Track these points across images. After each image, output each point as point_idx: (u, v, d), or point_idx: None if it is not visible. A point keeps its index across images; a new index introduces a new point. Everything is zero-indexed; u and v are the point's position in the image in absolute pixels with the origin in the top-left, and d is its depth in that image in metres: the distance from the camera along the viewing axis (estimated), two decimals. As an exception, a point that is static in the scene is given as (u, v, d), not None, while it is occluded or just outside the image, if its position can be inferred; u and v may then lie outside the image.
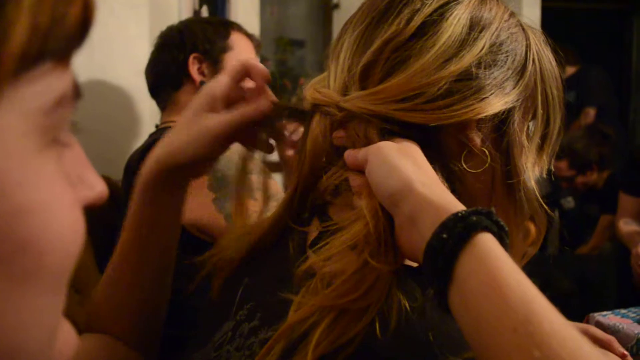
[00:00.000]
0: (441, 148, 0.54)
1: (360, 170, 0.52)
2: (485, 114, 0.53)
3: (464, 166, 0.55)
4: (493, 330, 0.38)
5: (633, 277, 2.20)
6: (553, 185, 2.85)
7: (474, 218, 0.42)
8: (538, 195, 0.59)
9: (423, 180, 0.47)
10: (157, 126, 1.43)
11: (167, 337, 0.73)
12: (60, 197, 0.26)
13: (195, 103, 0.60)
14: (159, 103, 1.42)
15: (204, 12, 2.23)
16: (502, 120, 0.55)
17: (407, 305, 0.46)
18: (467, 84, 0.53)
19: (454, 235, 0.41)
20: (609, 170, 2.77)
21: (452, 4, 0.55)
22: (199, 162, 0.61)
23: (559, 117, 0.60)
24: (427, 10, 0.54)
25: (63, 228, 0.25)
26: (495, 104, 0.54)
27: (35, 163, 0.25)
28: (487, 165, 0.55)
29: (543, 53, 0.59)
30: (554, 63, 0.60)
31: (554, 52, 0.60)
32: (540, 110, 0.58)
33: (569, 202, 3.05)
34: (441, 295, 0.42)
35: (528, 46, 0.57)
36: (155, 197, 0.62)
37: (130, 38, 1.61)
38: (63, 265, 0.26)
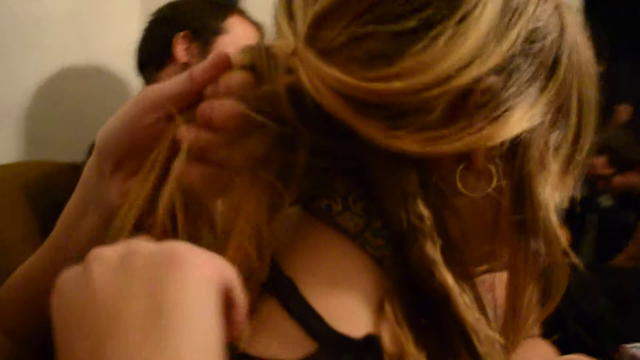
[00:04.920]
0: (428, 163, 0.40)
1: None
2: (501, 140, 0.39)
3: (461, 188, 0.41)
4: None
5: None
6: (589, 186, 2.69)
7: None
8: (559, 235, 0.43)
9: None
10: None
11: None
12: None
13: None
14: (145, 84, 1.30)
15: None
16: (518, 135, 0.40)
17: None
18: (481, 98, 0.38)
19: None
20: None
21: None
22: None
23: (592, 127, 0.45)
24: None
25: None
26: (514, 124, 0.39)
27: None
28: (492, 187, 0.41)
29: (581, 46, 0.44)
30: (591, 58, 0.45)
31: (593, 43, 0.45)
32: (573, 119, 0.43)
33: (606, 199, 2.85)
34: None
35: (562, 37, 0.42)
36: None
37: (122, 22, 1.53)
38: None
